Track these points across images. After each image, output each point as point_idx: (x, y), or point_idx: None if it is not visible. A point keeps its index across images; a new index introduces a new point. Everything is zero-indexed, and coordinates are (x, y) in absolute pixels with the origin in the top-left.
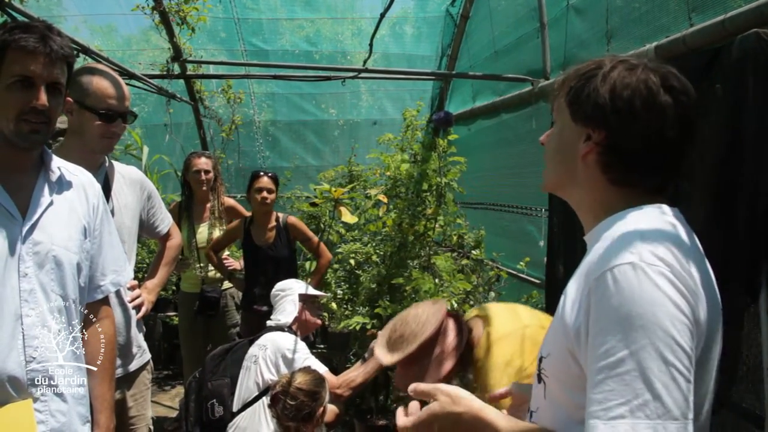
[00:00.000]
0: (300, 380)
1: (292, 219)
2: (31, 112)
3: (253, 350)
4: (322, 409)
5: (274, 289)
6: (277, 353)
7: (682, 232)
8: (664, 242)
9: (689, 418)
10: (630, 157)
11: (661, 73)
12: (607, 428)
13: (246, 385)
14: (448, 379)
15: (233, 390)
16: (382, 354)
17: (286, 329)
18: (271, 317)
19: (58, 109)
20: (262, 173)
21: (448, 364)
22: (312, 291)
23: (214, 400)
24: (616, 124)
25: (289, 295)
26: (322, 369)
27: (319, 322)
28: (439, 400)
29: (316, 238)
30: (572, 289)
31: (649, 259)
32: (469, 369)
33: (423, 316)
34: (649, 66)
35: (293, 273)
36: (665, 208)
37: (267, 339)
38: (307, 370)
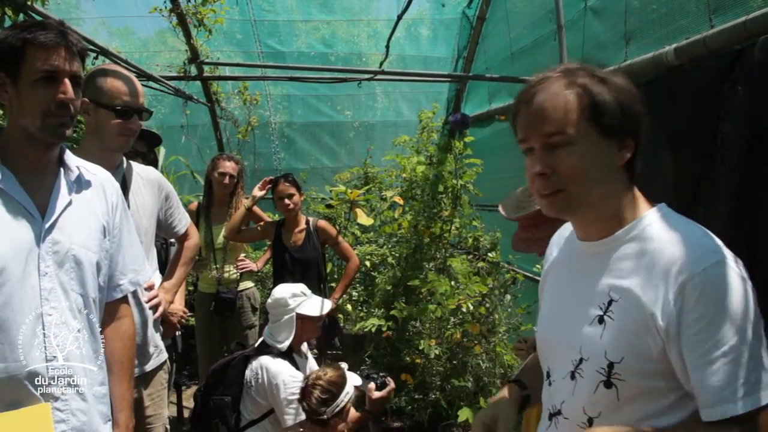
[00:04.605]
0: (330, 374)
1: (322, 223)
2: (58, 107)
3: (249, 374)
4: (349, 405)
5: (270, 299)
6: (271, 383)
7: None
8: (719, 240)
9: None
10: (638, 153)
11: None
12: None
13: (247, 407)
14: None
15: (235, 408)
16: (505, 210)
17: (282, 354)
18: (269, 331)
19: (79, 104)
20: (279, 180)
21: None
22: (308, 312)
23: (218, 420)
24: (639, 126)
25: (286, 315)
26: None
27: (317, 334)
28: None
29: (345, 243)
30: (637, 290)
31: (729, 255)
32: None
33: None
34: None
35: (321, 276)
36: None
37: (262, 365)
38: (334, 366)
